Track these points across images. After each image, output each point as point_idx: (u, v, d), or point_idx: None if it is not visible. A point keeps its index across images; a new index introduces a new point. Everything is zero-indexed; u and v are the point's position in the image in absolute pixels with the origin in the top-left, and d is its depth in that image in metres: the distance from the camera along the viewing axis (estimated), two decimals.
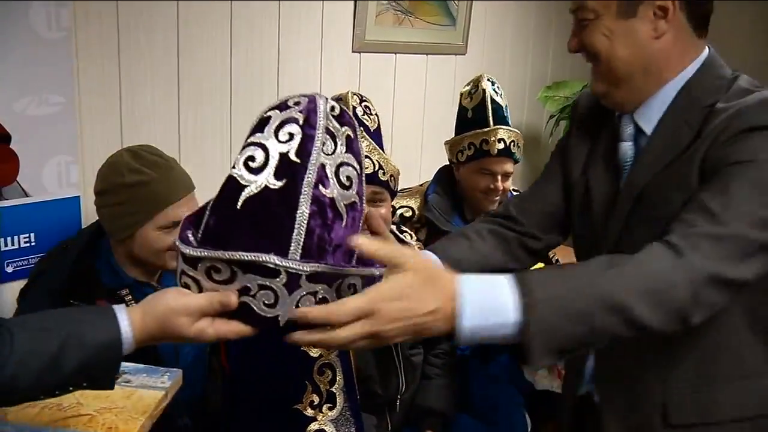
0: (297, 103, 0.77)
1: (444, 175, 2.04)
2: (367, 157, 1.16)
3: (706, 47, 0.94)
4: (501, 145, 1.90)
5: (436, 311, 0.75)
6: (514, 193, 2.01)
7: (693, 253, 0.78)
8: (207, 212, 0.79)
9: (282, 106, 0.77)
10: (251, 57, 1.99)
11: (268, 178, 0.74)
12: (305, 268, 0.74)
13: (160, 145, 1.50)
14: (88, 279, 1.27)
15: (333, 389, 1.17)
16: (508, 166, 1.94)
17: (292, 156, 0.74)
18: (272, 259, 0.74)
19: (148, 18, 1.75)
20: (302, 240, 0.74)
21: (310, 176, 0.74)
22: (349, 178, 0.77)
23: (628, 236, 0.95)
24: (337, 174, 0.76)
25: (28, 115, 1.54)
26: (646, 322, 0.78)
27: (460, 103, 2.01)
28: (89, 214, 1.61)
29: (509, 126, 1.94)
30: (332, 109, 0.77)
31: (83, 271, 1.28)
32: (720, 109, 0.89)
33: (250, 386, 1.22)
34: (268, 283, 0.75)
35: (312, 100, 0.77)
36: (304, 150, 0.74)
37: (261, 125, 0.76)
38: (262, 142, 0.75)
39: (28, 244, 1.61)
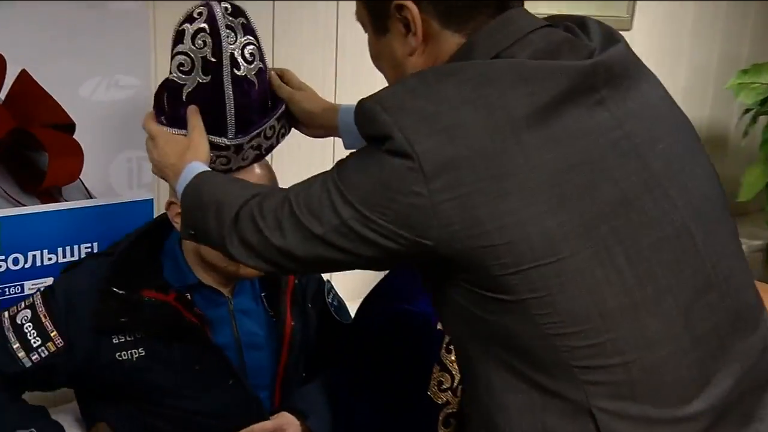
0: (200, 14, 1.01)
1: None
2: None
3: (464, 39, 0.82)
4: None
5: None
6: None
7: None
8: (165, 104, 1.07)
9: (189, 19, 1.01)
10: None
11: (198, 76, 1.02)
12: (245, 139, 1.05)
13: None
14: (143, 266, 1.14)
15: None
16: None
17: (210, 57, 1.01)
18: (222, 140, 1.05)
19: None
20: (234, 120, 1.04)
21: (226, 68, 1.01)
22: (251, 53, 1.04)
23: None
24: (242, 54, 1.02)
25: (95, 100, 1.36)
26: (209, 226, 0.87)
27: None
28: None
29: None
30: (226, 9, 1.02)
31: (139, 257, 1.15)
32: None
33: None
34: (222, 153, 1.06)
35: (209, 7, 1.01)
36: (217, 50, 1.00)
37: (180, 37, 1.01)
38: (186, 51, 1.01)
39: None
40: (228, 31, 1.02)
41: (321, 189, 0.78)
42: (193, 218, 0.91)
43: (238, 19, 1.04)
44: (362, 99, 0.76)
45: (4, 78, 1.25)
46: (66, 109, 1.33)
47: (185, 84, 1.03)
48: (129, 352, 1.09)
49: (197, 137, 1.01)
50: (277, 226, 0.79)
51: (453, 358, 1.14)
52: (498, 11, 0.82)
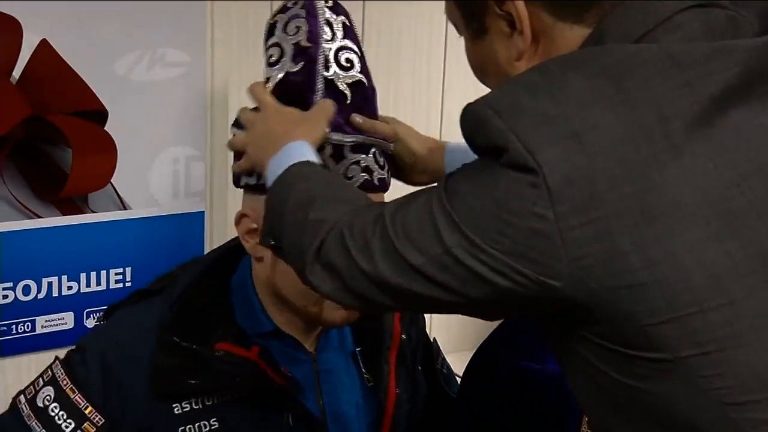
0: (295, 3, 0.99)
1: None
2: None
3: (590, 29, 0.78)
4: None
5: None
6: None
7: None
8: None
9: (284, 9, 1.00)
10: None
11: (287, 65, 0.97)
12: (346, 140, 0.97)
13: None
14: (212, 310, 1.05)
15: None
16: None
17: (303, 42, 0.97)
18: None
19: None
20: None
21: (320, 57, 0.97)
22: (348, 60, 0.98)
23: None
24: (336, 57, 0.98)
25: (134, 80, 1.29)
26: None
27: None
28: (217, 241, 1.36)
29: None
30: (326, 1, 1.00)
31: (207, 298, 1.07)
32: None
33: None
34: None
35: None
36: (312, 35, 0.97)
37: (271, 30, 1.00)
38: (276, 41, 0.99)
39: (120, 284, 1.34)
40: (324, 26, 0.99)
41: (423, 209, 0.74)
42: (276, 227, 0.89)
43: (338, 17, 1.01)
44: (469, 103, 0.73)
45: (19, 51, 1.16)
46: (96, 92, 1.26)
47: (270, 76, 0.99)
48: (197, 425, 0.99)
49: (315, 114, 0.98)
50: (365, 247, 0.77)
51: None
52: None
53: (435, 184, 0.77)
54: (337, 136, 0.98)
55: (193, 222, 1.39)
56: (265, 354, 1.03)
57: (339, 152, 0.99)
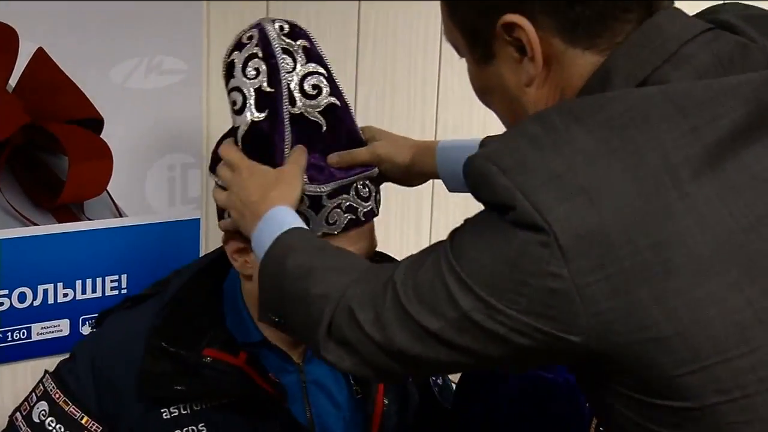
0: (250, 38, 0.96)
1: None
2: None
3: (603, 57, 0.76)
4: None
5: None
6: None
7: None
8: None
9: (239, 46, 0.96)
10: None
11: (251, 113, 0.94)
12: (321, 189, 0.94)
13: None
14: (201, 316, 1.05)
15: None
16: None
17: (265, 87, 0.94)
18: None
19: None
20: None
21: (285, 101, 0.94)
22: (315, 86, 0.95)
23: None
24: (302, 88, 0.94)
25: (130, 88, 1.28)
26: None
27: None
28: (213, 248, 1.31)
29: None
30: (281, 29, 0.96)
31: (197, 304, 1.06)
32: None
33: None
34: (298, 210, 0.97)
35: (261, 29, 0.95)
36: (274, 79, 0.94)
37: (230, 71, 0.96)
38: (237, 85, 0.95)
39: (116, 291, 1.34)
40: (284, 56, 0.96)
41: (433, 271, 0.72)
42: (275, 302, 0.86)
43: (297, 42, 0.97)
44: (471, 157, 0.72)
45: (15, 59, 1.16)
46: (92, 100, 1.26)
47: (239, 126, 0.96)
48: (185, 430, 0.99)
49: (289, 172, 0.95)
50: (377, 319, 0.75)
51: None
52: (642, 15, 0.74)
53: (442, 240, 0.74)
54: (311, 188, 0.95)
55: (189, 229, 1.38)
56: (253, 361, 1.02)
57: (317, 202, 0.96)
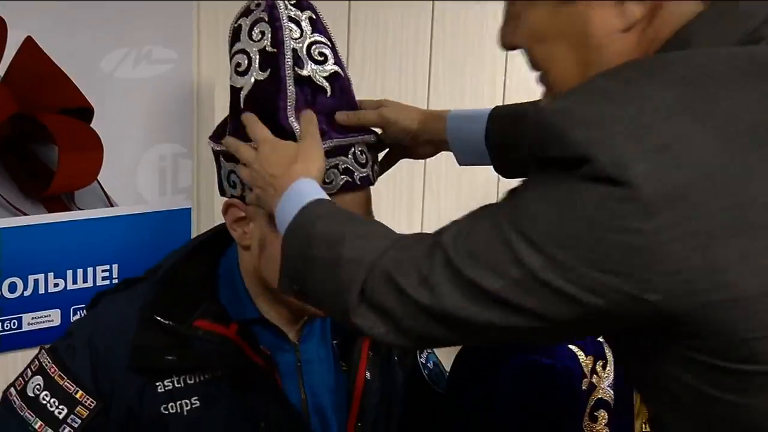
0: (258, 5, 0.99)
1: None
2: None
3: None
4: None
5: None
6: None
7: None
8: (228, 116, 1.03)
9: (246, 12, 1.00)
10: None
11: (255, 73, 0.97)
12: (322, 146, 0.96)
13: None
14: (194, 289, 1.06)
15: None
16: None
17: (269, 48, 0.96)
18: None
19: None
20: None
21: (288, 61, 0.96)
22: (321, 53, 0.98)
23: None
24: (309, 53, 0.97)
25: (120, 78, 1.28)
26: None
27: None
28: None
29: None
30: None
31: (191, 278, 1.07)
32: None
33: None
34: None
35: None
36: (276, 40, 0.96)
37: (236, 34, 0.99)
38: (242, 47, 0.98)
39: (107, 281, 1.34)
40: (291, 24, 0.98)
41: (490, 231, 0.70)
42: (300, 271, 0.84)
43: (304, 13, 1.00)
44: (539, 110, 0.69)
45: (4, 48, 1.15)
46: (82, 90, 1.25)
47: (242, 87, 0.98)
48: (179, 403, 1.00)
49: (309, 145, 0.95)
50: (423, 282, 0.72)
51: (599, 428, 1.11)
52: None
53: (493, 203, 0.72)
54: None
55: (180, 219, 1.38)
56: (244, 333, 1.02)
57: None
